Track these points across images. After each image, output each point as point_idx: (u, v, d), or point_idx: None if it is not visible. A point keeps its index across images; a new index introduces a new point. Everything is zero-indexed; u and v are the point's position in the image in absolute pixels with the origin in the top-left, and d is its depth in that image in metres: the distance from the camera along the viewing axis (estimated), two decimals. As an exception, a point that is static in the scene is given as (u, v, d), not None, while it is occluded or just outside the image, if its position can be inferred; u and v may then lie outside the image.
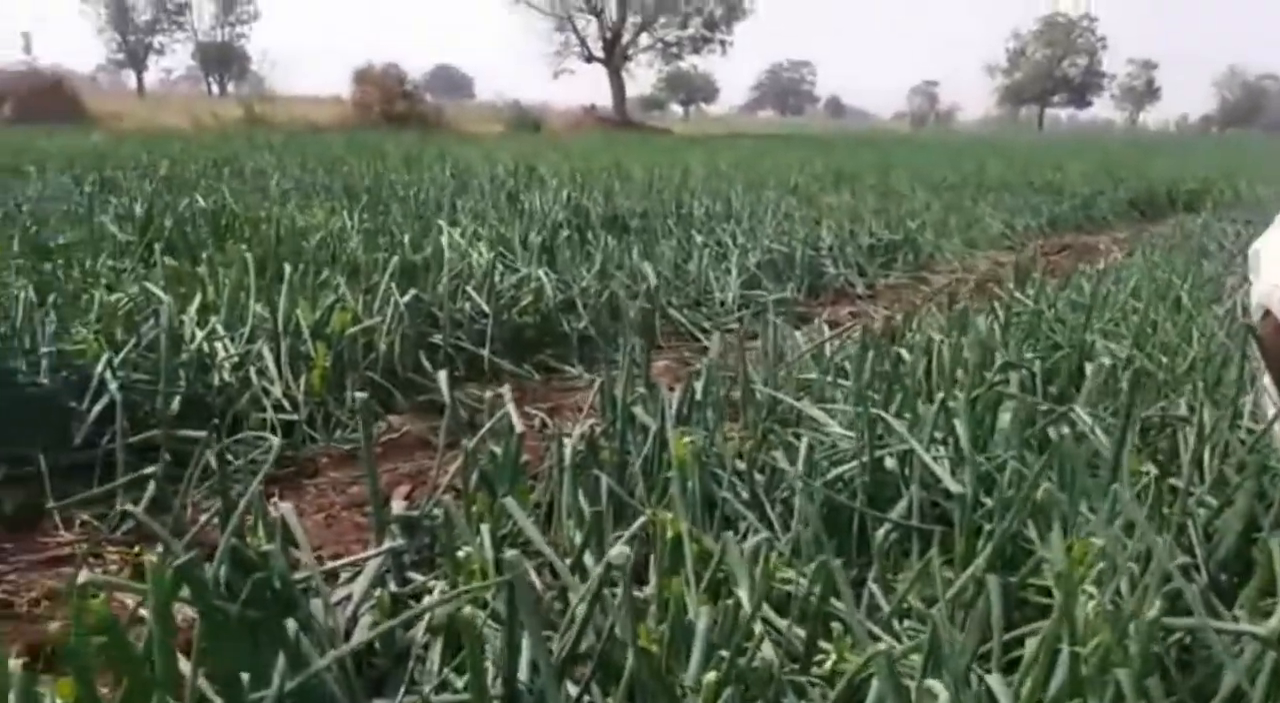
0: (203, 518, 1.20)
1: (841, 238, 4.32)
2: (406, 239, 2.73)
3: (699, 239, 3.69)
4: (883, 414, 1.37)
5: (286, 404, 1.81)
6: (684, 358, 2.60)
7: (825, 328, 2.74)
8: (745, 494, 1.36)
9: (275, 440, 1.51)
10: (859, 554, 1.27)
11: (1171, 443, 1.54)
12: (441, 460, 1.40)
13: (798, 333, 2.71)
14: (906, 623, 1.06)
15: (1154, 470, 1.26)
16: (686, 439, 1.27)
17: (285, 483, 1.60)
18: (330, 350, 1.93)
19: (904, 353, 1.85)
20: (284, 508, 1.13)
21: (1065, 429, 1.43)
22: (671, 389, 2.22)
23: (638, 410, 1.53)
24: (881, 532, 1.21)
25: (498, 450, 1.37)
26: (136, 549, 1.29)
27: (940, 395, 1.52)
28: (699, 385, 1.64)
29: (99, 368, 1.55)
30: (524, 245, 3.52)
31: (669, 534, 1.10)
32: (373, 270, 2.51)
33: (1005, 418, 1.49)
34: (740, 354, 1.76)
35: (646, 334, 2.69)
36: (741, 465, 1.43)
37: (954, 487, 1.18)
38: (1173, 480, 1.38)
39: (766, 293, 3.26)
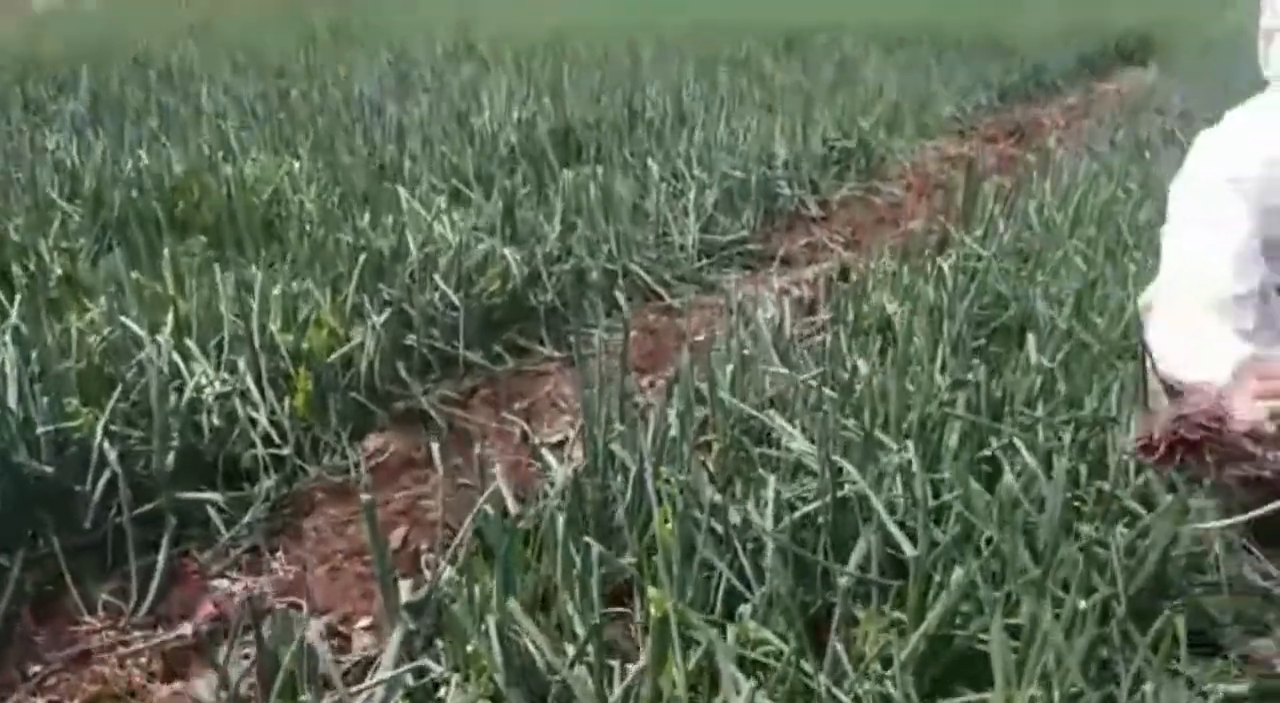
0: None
1: (795, 148, 4.31)
2: (366, 219, 2.71)
3: (655, 171, 3.68)
4: (843, 462, 1.48)
5: (273, 433, 1.88)
6: (649, 325, 2.68)
7: (776, 287, 2.82)
8: (720, 528, 1.49)
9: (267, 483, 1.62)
10: (827, 588, 1.42)
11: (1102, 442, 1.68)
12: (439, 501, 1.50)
13: (764, 293, 2.81)
14: (867, 685, 1.21)
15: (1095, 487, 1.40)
16: (668, 509, 1.38)
17: (287, 532, 1.71)
18: (310, 372, 1.99)
19: (860, 374, 1.90)
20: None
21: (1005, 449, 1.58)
22: (643, 375, 2.35)
23: (616, 448, 1.63)
24: (843, 581, 1.35)
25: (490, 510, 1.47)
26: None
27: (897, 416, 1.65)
28: (673, 412, 1.74)
29: (97, 439, 1.61)
30: (479, 180, 3.52)
31: (656, 613, 1.23)
32: (336, 257, 2.52)
33: (954, 439, 1.61)
34: (709, 375, 1.84)
35: (609, 299, 2.77)
36: (717, 498, 1.56)
37: (908, 549, 1.32)
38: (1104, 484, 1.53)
39: (725, 230, 3.31)
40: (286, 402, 1.96)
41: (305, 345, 2.08)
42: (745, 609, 1.35)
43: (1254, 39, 1.63)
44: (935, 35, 8.81)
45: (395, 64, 6.80)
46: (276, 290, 2.20)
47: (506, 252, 2.59)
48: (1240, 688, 1.27)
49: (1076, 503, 1.56)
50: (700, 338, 2.52)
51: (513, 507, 1.58)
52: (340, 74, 6.23)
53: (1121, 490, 1.54)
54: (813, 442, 1.69)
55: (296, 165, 3.66)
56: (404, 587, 1.37)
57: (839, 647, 1.23)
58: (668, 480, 1.55)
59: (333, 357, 2.04)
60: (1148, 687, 1.16)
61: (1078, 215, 3.02)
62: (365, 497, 1.32)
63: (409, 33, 8.69)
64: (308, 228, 2.75)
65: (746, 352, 2.17)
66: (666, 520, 1.32)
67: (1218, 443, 1.06)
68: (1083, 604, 1.19)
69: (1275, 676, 1.29)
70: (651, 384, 2.25)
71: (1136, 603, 1.34)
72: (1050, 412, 1.73)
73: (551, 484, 1.61)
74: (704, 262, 3.10)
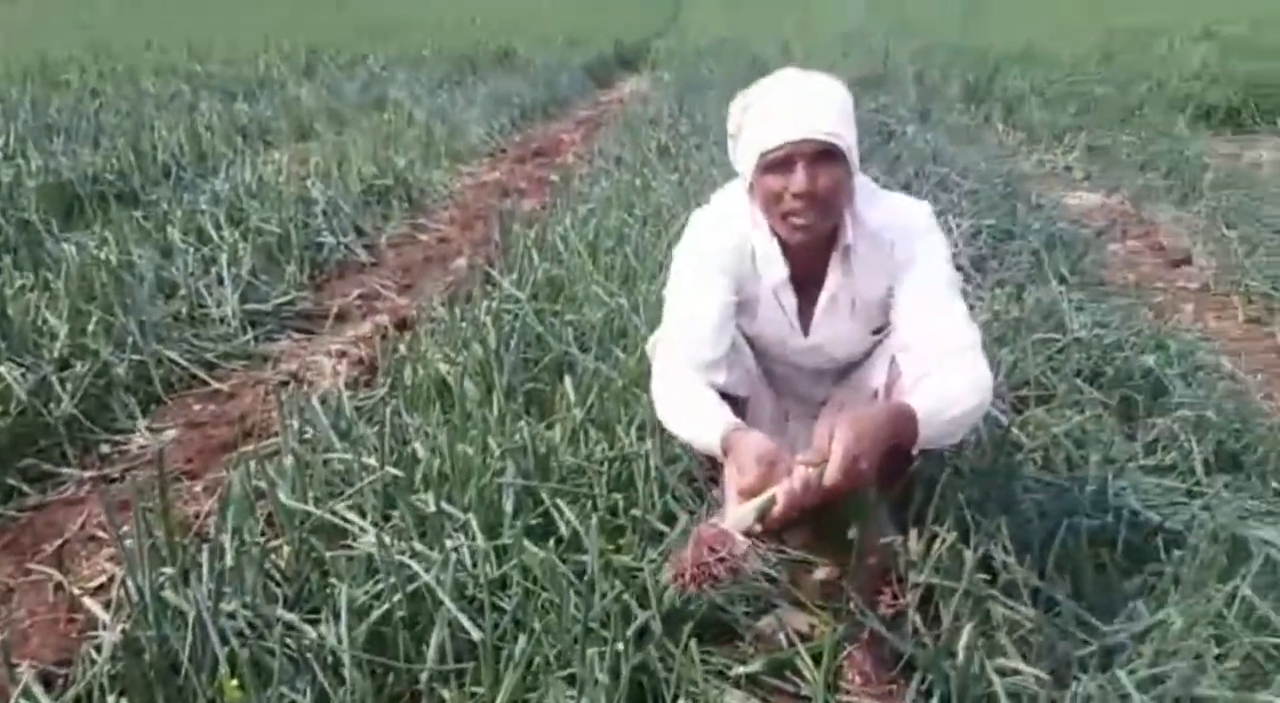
0: None
1: (333, 189, 4.24)
2: None
3: (178, 236, 3.41)
4: (409, 562, 1.56)
5: None
6: (194, 418, 2.50)
7: (332, 350, 2.80)
8: (295, 645, 1.49)
9: None
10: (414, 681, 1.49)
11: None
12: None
13: (321, 360, 2.75)
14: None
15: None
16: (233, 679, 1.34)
17: None
18: None
19: (417, 448, 1.97)
20: None
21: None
22: (195, 481, 2.20)
23: (169, 594, 1.54)
24: (424, 675, 1.43)
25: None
26: None
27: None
28: (227, 536, 1.68)
29: None
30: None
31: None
32: None
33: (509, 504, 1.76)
34: (265, 475, 1.80)
35: (144, 395, 2.55)
36: (291, 616, 1.55)
37: (475, 632, 1.43)
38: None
39: (268, 294, 3.18)
40: None
41: None
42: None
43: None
44: (453, 51, 9.10)
45: None
46: None
47: (1, 369, 2.26)
48: (754, 667, 1.56)
49: (617, 534, 1.80)
50: (256, 419, 2.43)
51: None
52: None
53: (650, 513, 1.80)
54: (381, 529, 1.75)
55: None
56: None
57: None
58: (232, 615, 1.51)
59: None
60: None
61: (596, 243, 3.36)
62: None
63: None
64: None
65: (306, 437, 2.15)
66: (233, 675, 1.30)
67: (727, 563, 1.31)
68: (620, 645, 1.39)
69: (779, 649, 1.60)
70: (206, 490, 2.13)
71: (671, 616, 1.59)
72: (587, 455, 1.95)
73: (98, 649, 1.48)
74: (250, 332, 2.96)
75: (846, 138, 1.53)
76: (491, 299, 2.90)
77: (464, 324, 2.73)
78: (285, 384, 2.61)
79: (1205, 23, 9.95)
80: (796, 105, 1.53)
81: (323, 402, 2.30)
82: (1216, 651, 1.48)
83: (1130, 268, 3.63)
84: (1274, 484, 2.06)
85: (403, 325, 3.00)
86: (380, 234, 4.06)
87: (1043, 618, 1.54)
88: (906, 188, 4.21)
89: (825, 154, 1.52)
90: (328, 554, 1.69)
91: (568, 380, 2.29)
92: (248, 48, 9.44)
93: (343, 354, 2.80)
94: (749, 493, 1.38)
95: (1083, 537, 1.71)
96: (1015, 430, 2.14)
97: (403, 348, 2.58)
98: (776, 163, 1.54)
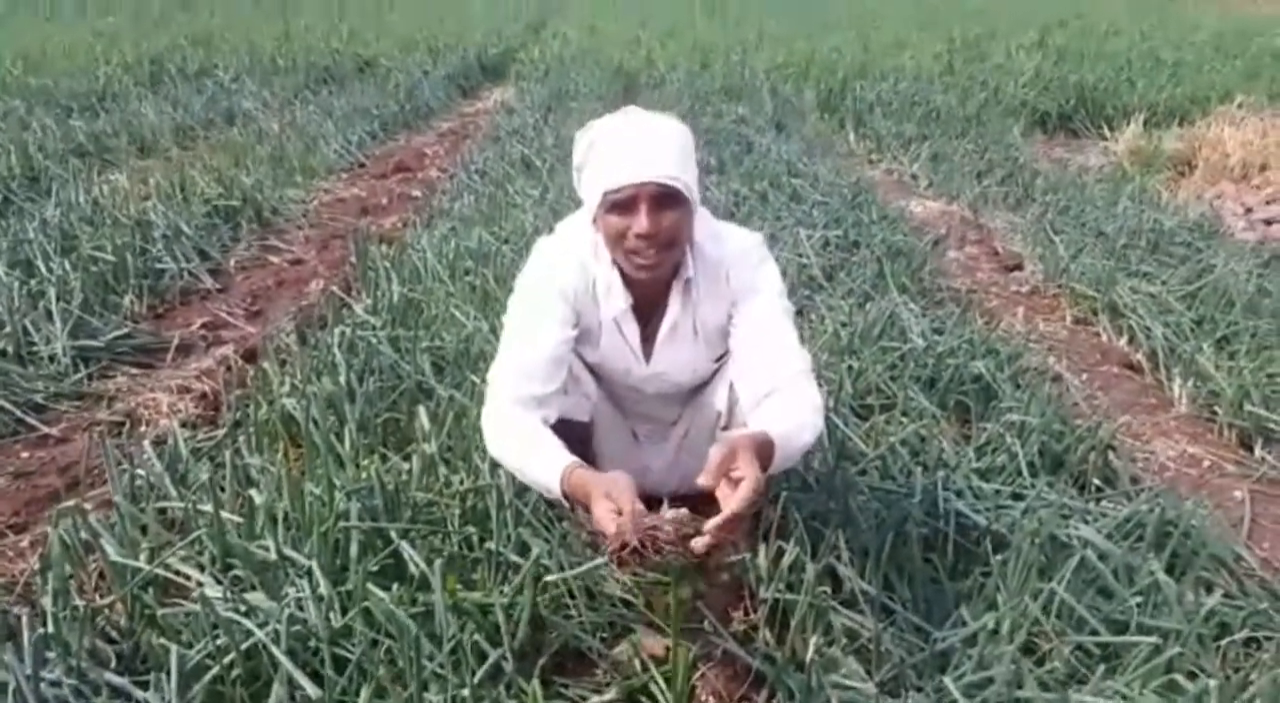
0: None
1: (176, 211, 4.05)
2: None
3: (2, 269, 3.18)
4: (245, 622, 1.50)
5: None
6: (22, 466, 2.33)
7: (173, 386, 2.67)
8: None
9: None
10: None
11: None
12: None
13: (160, 397, 2.62)
14: None
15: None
16: None
17: None
18: None
19: (263, 489, 1.90)
20: None
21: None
22: (20, 534, 2.07)
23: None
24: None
25: None
26: None
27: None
28: (48, 599, 1.58)
29: None
30: None
31: None
32: None
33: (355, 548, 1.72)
34: (90, 529, 1.70)
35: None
36: (119, 679, 1.48)
37: (311, 690, 1.40)
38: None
39: (102, 328, 3.00)
40: None
41: None
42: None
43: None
44: (308, 61, 8.82)
45: None
46: None
47: None
48: (609, 696, 1.58)
49: (472, 567, 1.79)
50: (87, 465, 2.29)
51: None
52: None
53: (505, 546, 1.80)
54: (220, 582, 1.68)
55: None
56: None
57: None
58: (56, 683, 1.43)
59: None
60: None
61: (455, 264, 3.32)
62: None
63: None
64: None
65: (139, 481, 2.05)
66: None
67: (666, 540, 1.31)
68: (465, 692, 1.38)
69: (634, 674, 1.62)
70: (33, 545, 2.00)
71: (524, 652, 1.59)
72: (440, 489, 1.93)
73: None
74: (83, 370, 2.79)
75: (688, 179, 1.58)
76: (346, 325, 2.83)
77: (315, 354, 2.66)
78: (120, 425, 2.47)
79: (1039, 30, 10.60)
80: (640, 147, 1.57)
81: (159, 444, 2.20)
82: (1039, 652, 1.58)
83: (968, 274, 3.84)
84: (1095, 481, 2.22)
85: (250, 356, 2.89)
86: (228, 257, 3.89)
87: (879, 627, 1.61)
88: (763, 198, 4.34)
89: (667, 196, 1.56)
90: (160, 611, 1.61)
91: (422, 411, 2.26)
92: (86, 58, 8.90)
93: (184, 390, 2.67)
94: (613, 530, 1.37)
95: (916, 544, 1.79)
96: (858, 440, 2.24)
97: (248, 381, 2.48)
98: (620, 202, 1.57)
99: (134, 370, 2.87)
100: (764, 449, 1.43)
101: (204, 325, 3.23)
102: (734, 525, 1.34)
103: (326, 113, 6.73)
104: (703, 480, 1.34)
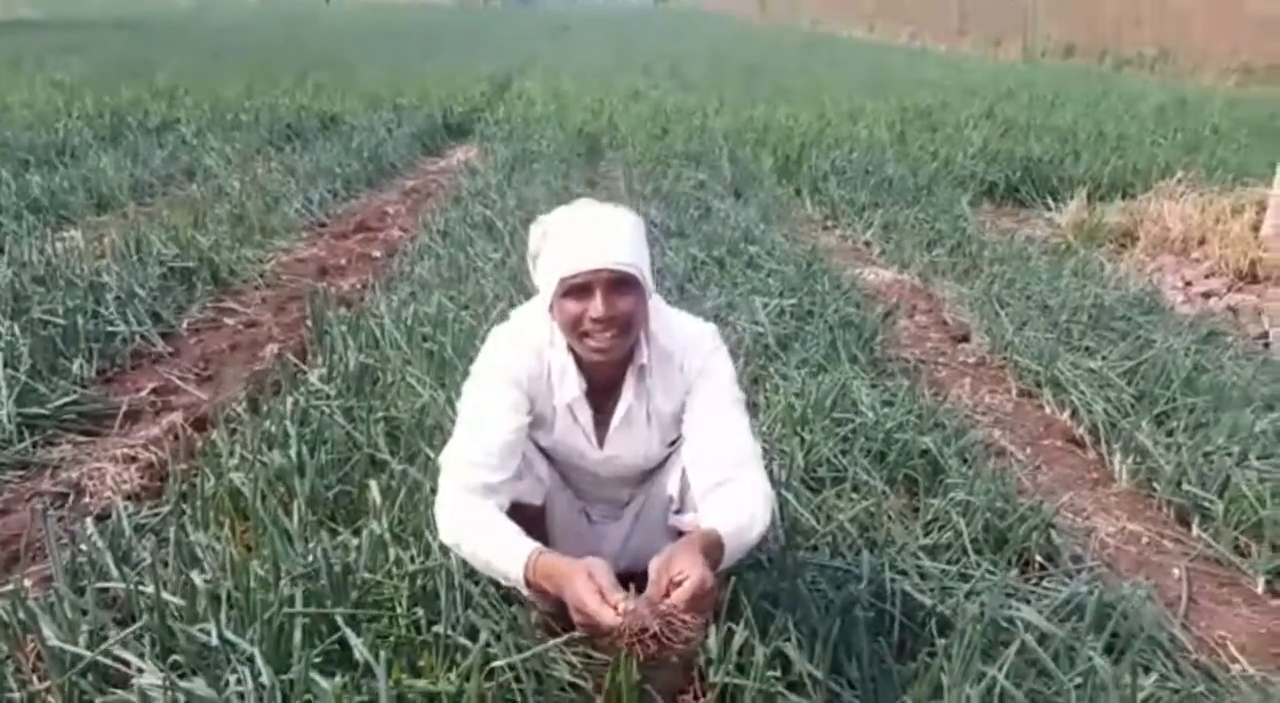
0: None
1: (128, 265, 4.01)
2: None
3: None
4: (186, 699, 1.48)
5: None
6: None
7: (119, 455, 2.63)
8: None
9: None
10: None
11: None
12: None
13: (106, 466, 2.58)
14: None
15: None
16: None
17: None
18: None
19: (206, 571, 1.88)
20: None
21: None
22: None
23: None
24: None
25: None
26: None
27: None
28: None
29: None
30: None
31: None
32: None
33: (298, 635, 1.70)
34: (25, 608, 1.67)
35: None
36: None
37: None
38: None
39: (49, 394, 2.95)
40: None
41: None
42: None
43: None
44: (273, 116, 8.84)
45: None
46: None
47: None
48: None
49: (420, 651, 1.77)
50: (28, 539, 2.24)
51: None
52: None
53: (453, 630, 1.79)
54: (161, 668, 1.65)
55: None
56: None
57: None
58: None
59: None
60: None
61: (413, 329, 3.33)
62: None
63: None
64: None
65: (81, 559, 2.01)
66: None
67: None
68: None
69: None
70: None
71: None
72: (388, 571, 1.92)
73: None
74: (28, 438, 2.74)
75: (642, 266, 1.63)
76: (299, 392, 2.82)
77: (267, 423, 2.64)
78: (63, 497, 2.43)
79: (988, 100, 10.98)
80: (595, 235, 1.61)
81: (102, 519, 2.16)
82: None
83: (918, 343, 3.93)
84: (1038, 558, 2.27)
85: (200, 424, 2.86)
86: (181, 319, 3.86)
87: (826, 714, 1.62)
88: (721, 263, 4.42)
89: (623, 281, 1.61)
90: (98, 700, 1.58)
91: (374, 485, 2.26)
92: (47, 108, 8.85)
93: (131, 459, 2.63)
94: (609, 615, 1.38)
95: (863, 626, 1.81)
96: (809, 516, 2.27)
97: (196, 452, 2.46)
98: (577, 287, 1.61)
99: (80, 438, 2.83)
100: (712, 549, 1.46)
101: (154, 390, 3.19)
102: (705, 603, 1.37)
103: (289, 170, 6.74)
104: (648, 593, 1.38)
